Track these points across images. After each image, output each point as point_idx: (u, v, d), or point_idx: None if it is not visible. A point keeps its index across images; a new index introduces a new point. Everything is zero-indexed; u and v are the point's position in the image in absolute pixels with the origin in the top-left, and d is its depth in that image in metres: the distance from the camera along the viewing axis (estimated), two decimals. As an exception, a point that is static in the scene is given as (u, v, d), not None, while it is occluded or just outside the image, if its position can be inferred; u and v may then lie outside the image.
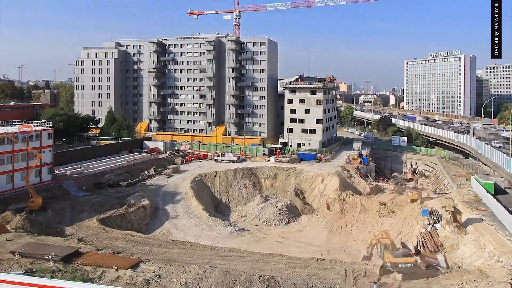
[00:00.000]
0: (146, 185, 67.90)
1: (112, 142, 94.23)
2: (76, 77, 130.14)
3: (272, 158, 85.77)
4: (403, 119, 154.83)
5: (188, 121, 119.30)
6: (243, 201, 68.33)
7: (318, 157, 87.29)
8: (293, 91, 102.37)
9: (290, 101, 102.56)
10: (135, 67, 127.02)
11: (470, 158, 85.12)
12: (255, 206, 65.11)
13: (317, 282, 31.87)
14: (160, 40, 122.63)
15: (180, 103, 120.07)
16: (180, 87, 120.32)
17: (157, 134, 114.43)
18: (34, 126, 61.09)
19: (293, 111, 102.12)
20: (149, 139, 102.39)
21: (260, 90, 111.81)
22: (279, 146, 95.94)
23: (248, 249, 45.58)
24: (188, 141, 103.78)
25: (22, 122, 65.58)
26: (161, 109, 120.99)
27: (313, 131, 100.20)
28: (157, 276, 30.01)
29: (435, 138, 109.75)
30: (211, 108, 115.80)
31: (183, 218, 57.03)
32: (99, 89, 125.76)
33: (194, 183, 67.62)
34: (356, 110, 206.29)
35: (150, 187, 66.75)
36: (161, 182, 69.63)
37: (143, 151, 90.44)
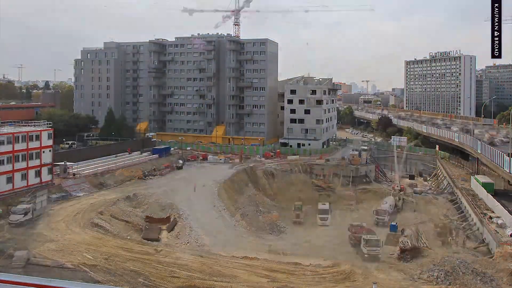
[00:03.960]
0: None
1: (112, 142, 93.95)
2: (76, 77, 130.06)
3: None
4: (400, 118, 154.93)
5: (188, 121, 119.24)
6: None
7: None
8: (293, 91, 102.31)
9: (290, 101, 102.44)
10: (135, 67, 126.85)
11: (470, 158, 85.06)
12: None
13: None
14: (160, 40, 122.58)
15: (180, 103, 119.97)
16: (180, 87, 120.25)
17: (157, 134, 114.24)
18: (34, 126, 61.05)
19: (293, 111, 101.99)
20: (150, 139, 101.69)
21: (260, 90, 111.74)
22: None
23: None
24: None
25: (22, 122, 65.51)
26: (160, 109, 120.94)
27: (313, 131, 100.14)
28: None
29: (435, 138, 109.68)
30: (210, 108, 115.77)
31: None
32: (99, 89, 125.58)
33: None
34: (356, 110, 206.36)
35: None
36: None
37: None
